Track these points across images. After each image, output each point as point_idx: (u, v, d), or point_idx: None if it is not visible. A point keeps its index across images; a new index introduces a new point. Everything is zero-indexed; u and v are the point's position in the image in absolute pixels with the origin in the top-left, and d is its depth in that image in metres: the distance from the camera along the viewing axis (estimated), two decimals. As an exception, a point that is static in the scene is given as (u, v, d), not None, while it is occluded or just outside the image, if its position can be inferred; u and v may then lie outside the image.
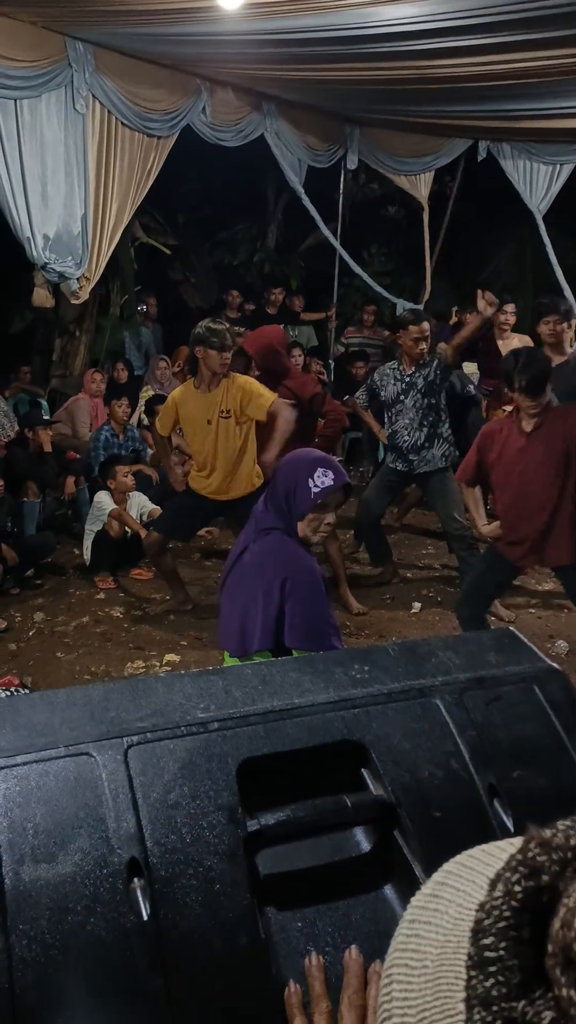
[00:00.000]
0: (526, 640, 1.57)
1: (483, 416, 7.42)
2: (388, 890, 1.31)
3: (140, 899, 1.13)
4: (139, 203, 7.43)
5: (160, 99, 7.19)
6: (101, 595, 6.26)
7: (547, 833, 0.59)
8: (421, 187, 9.86)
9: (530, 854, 0.58)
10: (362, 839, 1.35)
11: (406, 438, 5.93)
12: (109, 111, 6.76)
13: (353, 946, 1.10)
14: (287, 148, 8.56)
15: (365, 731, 1.35)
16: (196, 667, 4.92)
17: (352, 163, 9.47)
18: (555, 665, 1.49)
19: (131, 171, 7.09)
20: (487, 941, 0.57)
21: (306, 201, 9.04)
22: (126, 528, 6.42)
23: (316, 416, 6.01)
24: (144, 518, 6.57)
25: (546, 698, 1.44)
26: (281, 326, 7.71)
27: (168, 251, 10.71)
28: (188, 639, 5.54)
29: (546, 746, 1.38)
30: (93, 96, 6.61)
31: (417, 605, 6.11)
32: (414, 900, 0.67)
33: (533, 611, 6.05)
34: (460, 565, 6.11)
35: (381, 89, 7.61)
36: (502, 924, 0.57)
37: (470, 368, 8.02)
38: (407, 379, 5.91)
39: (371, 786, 1.32)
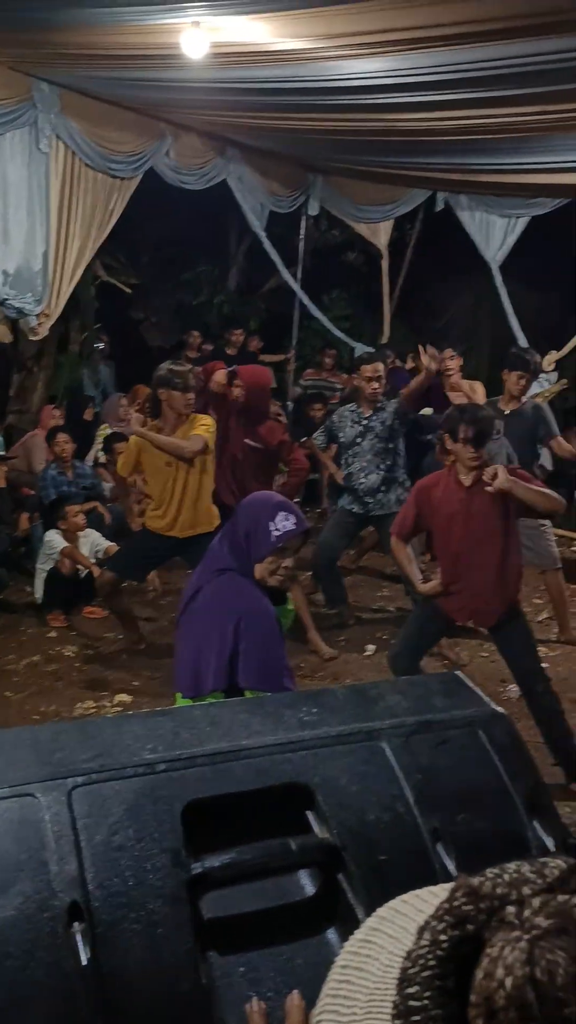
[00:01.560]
0: (472, 684, 1.59)
1: (437, 460, 7.51)
2: (331, 934, 1.31)
3: (80, 944, 1.12)
4: (101, 242, 7.47)
5: (124, 141, 7.27)
6: (53, 633, 6.19)
7: (475, 881, 0.59)
8: (381, 235, 10.06)
9: (456, 903, 0.59)
10: (306, 882, 1.35)
11: (362, 480, 5.97)
12: (73, 151, 6.82)
13: (295, 991, 1.09)
14: (250, 193, 8.68)
15: (312, 773, 1.36)
16: (148, 707, 4.88)
17: (314, 209, 9.62)
18: (500, 709, 1.51)
19: (93, 211, 7.15)
20: (412, 990, 0.58)
21: (267, 245, 9.17)
22: (79, 566, 6.37)
23: (278, 463, 6.02)
24: (99, 555, 6.52)
25: (491, 742, 1.45)
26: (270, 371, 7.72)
27: (129, 290, 10.76)
28: (141, 679, 5.49)
29: (490, 790, 1.39)
30: (57, 136, 6.66)
31: (371, 648, 6.12)
32: (347, 945, 0.67)
33: (486, 655, 6.08)
34: (414, 608, 6.13)
35: (343, 139, 7.76)
36: (427, 974, 0.57)
37: (427, 412, 8.12)
38: (364, 422, 5.96)
39: (316, 829, 1.33)
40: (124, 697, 5.20)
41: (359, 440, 5.96)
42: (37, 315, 6.86)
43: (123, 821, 1.23)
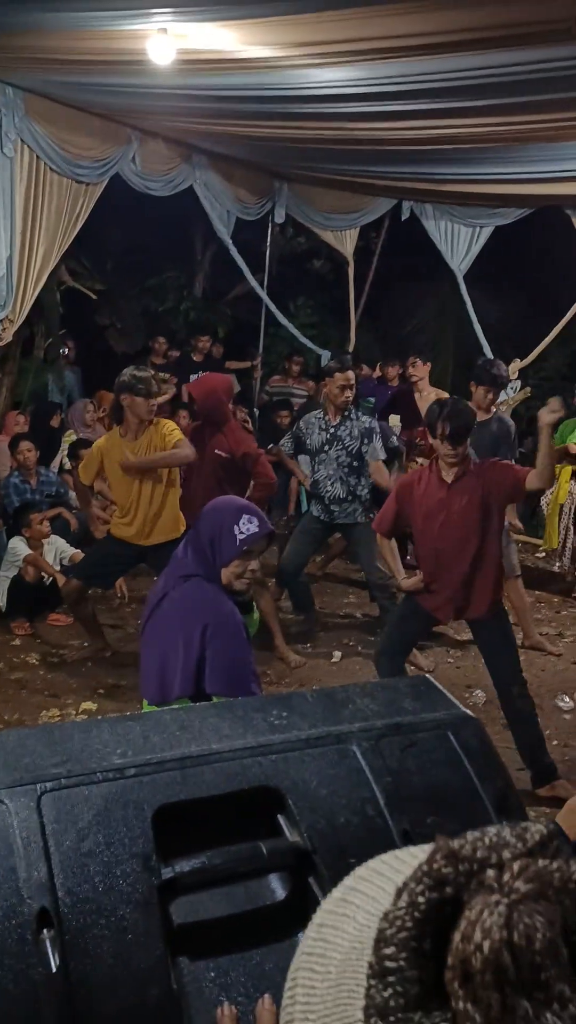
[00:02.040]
0: (441, 687, 1.59)
1: (403, 468, 7.55)
2: (302, 938, 1.30)
3: (49, 950, 1.11)
4: (67, 247, 7.43)
5: (90, 146, 7.24)
6: (17, 641, 6.13)
7: (455, 844, 0.59)
8: (347, 243, 10.11)
9: (436, 865, 0.59)
10: (277, 886, 1.34)
11: (328, 488, 5.96)
12: (38, 156, 6.78)
13: (266, 995, 1.09)
14: (216, 200, 8.69)
15: (282, 777, 1.36)
16: (113, 715, 4.84)
17: (280, 217, 9.65)
18: (469, 712, 1.52)
19: (59, 216, 7.11)
20: (388, 951, 0.57)
21: (234, 252, 9.18)
22: (43, 573, 6.32)
23: (247, 474, 5.97)
24: (64, 562, 6.47)
25: (460, 744, 1.46)
26: (231, 376, 7.73)
27: (95, 296, 10.72)
28: (106, 687, 5.45)
29: (459, 792, 1.40)
30: (22, 140, 6.62)
31: (337, 654, 6.13)
32: (324, 904, 0.66)
33: (452, 661, 6.12)
34: (381, 615, 6.15)
35: (308, 147, 7.80)
36: (403, 935, 0.57)
37: (393, 420, 8.16)
38: (332, 430, 5.95)
39: (287, 832, 1.32)
40: (89, 705, 5.16)
41: (326, 448, 5.96)
42: (1, 320, 6.80)
43: (92, 826, 1.22)
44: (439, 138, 6.82)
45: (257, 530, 2.83)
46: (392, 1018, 0.56)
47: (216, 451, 5.83)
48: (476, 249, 9.74)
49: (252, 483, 6.00)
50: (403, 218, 9.81)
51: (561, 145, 6.82)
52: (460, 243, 9.70)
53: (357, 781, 1.38)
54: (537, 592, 7.41)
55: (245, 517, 2.85)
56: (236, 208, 9.00)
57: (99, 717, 1.37)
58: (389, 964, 0.57)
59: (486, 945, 0.54)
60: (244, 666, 2.89)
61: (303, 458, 6.46)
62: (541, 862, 0.58)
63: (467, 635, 6.29)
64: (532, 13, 4.33)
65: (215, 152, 8.37)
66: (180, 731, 1.41)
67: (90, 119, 7.17)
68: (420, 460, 7.15)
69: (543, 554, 8.09)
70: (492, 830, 0.61)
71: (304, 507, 7.95)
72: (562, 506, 7.30)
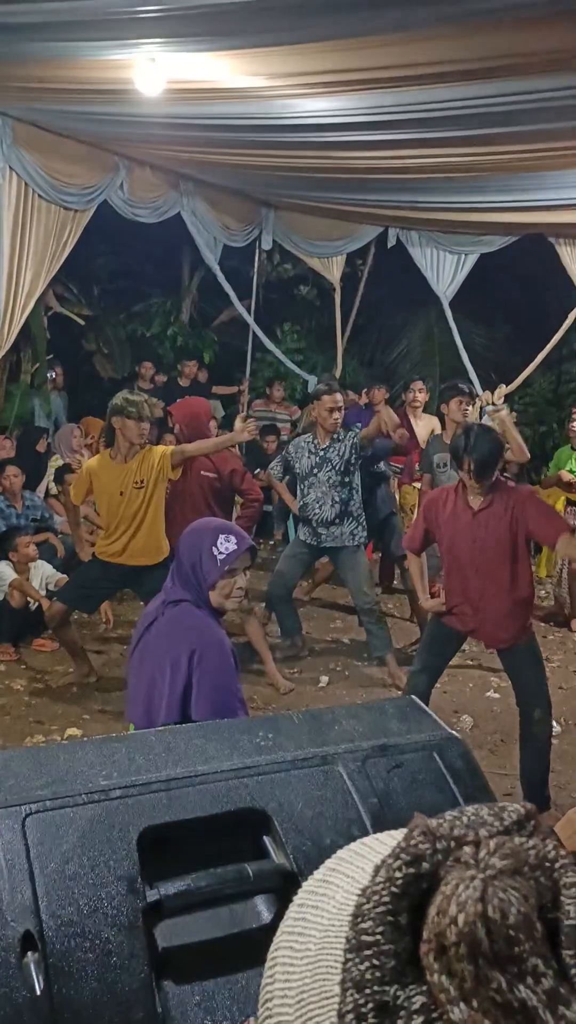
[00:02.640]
0: (427, 709, 1.60)
1: (391, 493, 7.58)
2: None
3: (34, 973, 1.10)
4: (54, 273, 7.46)
5: (78, 174, 7.29)
6: (1, 667, 6.09)
7: (432, 822, 0.61)
8: (333, 269, 10.19)
9: (413, 841, 0.60)
10: (263, 908, 1.34)
11: (317, 511, 5.97)
12: (26, 183, 6.82)
13: (251, 1018, 1.08)
14: (203, 227, 8.75)
15: (268, 799, 1.35)
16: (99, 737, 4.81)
17: (267, 244, 9.73)
18: (455, 732, 1.52)
19: (46, 242, 7.14)
20: (365, 925, 0.58)
21: (221, 278, 9.24)
22: (29, 598, 6.29)
23: (234, 492, 6.01)
24: (51, 587, 6.44)
25: (445, 765, 1.46)
26: (207, 400, 7.75)
27: (82, 321, 10.75)
28: (91, 712, 5.41)
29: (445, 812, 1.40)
30: (10, 168, 6.66)
31: (324, 679, 6.11)
32: (305, 885, 0.67)
33: (439, 686, 6.09)
34: (368, 639, 6.15)
35: (295, 176, 7.87)
36: (380, 909, 0.58)
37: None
38: (321, 453, 5.97)
39: (273, 854, 1.32)
40: (74, 731, 5.12)
41: (315, 471, 5.97)
42: (-12, 345, 6.82)
43: (77, 849, 1.21)
44: (425, 167, 6.90)
45: (236, 547, 2.83)
46: (368, 991, 0.57)
47: (202, 472, 5.84)
48: (461, 276, 9.82)
49: (242, 502, 6.04)
50: (389, 245, 9.89)
51: (545, 174, 6.92)
52: (446, 270, 9.79)
53: (343, 802, 1.38)
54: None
55: (222, 537, 2.84)
56: (223, 235, 9.07)
57: (84, 739, 1.36)
58: (366, 938, 0.58)
59: (461, 918, 0.55)
60: (230, 693, 2.88)
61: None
62: (517, 840, 0.60)
63: (455, 660, 6.28)
64: (517, 45, 4.40)
65: (202, 180, 8.44)
66: (165, 753, 1.40)
67: (78, 147, 7.22)
68: (416, 485, 7.21)
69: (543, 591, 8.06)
70: (470, 809, 0.62)
71: (291, 533, 7.95)
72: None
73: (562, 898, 0.58)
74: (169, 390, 10.05)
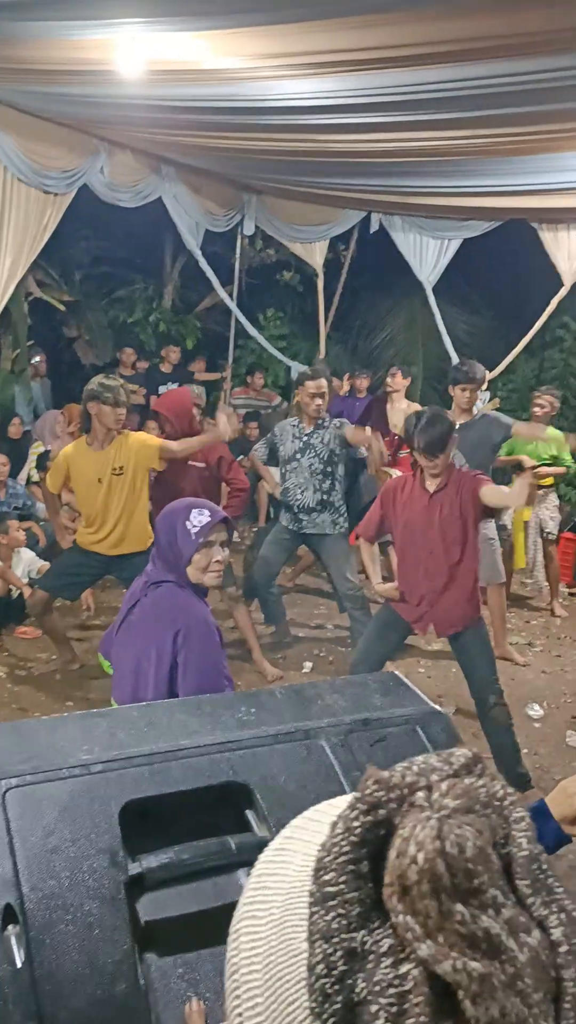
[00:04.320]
0: (410, 683, 1.59)
1: (373, 478, 7.57)
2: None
3: (14, 946, 1.09)
4: (34, 258, 7.40)
5: (58, 157, 7.22)
6: (-16, 653, 6.07)
7: (385, 773, 0.63)
8: (316, 254, 10.15)
9: (368, 791, 0.62)
10: (246, 882, 1.33)
11: (298, 497, 5.95)
12: (5, 166, 6.76)
13: (193, 998, 1.08)
14: (185, 211, 8.70)
15: (251, 773, 1.35)
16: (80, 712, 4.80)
17: (249, 229, 9.69)
18: (438, 707, 1.52)
19: (26, 226, 7.08)
20: (327, 877, 0.60)
21: (203, 263, 9.19)
22: (11, 586, 6.26)
23: (220, 480, 5.96)
24: (33, 575, 6.42)
25: (428, 739, 1.46)
26: (191, 390, 7.71)
27: (63, 307, 10.68)
28: (75, 700, 5.40)
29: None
30: (-10, 150, 6.61)
31: (308, 665, 6.12)
32: (262, 856, 0.69)
33: (422, 671, 6.13)
34: (351, 625, 6.14)
35: (277, 159, 7.83)
36: (341, 859, 0.60)
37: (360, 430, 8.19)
38: (305, 438, 5.93)
39: (256, 828, 1.31)
40: (58, 716, 5.11)
41: (298, 456, 5.95)
42: (-31, 330, 6.76)
43: (58, 822, 1.20)
44: (408, 151, 6.87)
45: (209, 519, 2.86)
46: (336, 939, 0.58)
47: (189, 461, 5.80)
48: (445, 261, 9.80)
49: (228, 490, 6.00)
50: (372, 230, 9.86)
51: (528, 158, 6.91)
52: (428, 255, 9.77)
53: (326, 776, 1.38)
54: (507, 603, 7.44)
55: (195, 511, 2.88)
56: (205, 220, 9.02)
57: (65, 714, 1.36)
58: (329, 889, 0.60)
59: (420, 857, 0.57)
60: (217, 671, 2.88)
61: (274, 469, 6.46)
62: (467, 780, 0.62)
63: (438, 645, 6.31)
64: (500, 27, 4.38)
65: (184, 164, 8.39)
66: (147, 727, 1.39)
67: (58, 129, 7.16)
68: (390, 471, 7.17)
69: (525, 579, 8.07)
70: (420, 758, 0.65)
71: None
72: (527, 523, 7.32)
73: (513, 832, 0.61)
74: (151, 377, 10.01)
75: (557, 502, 7.63)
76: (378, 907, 0.59)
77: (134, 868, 1.20)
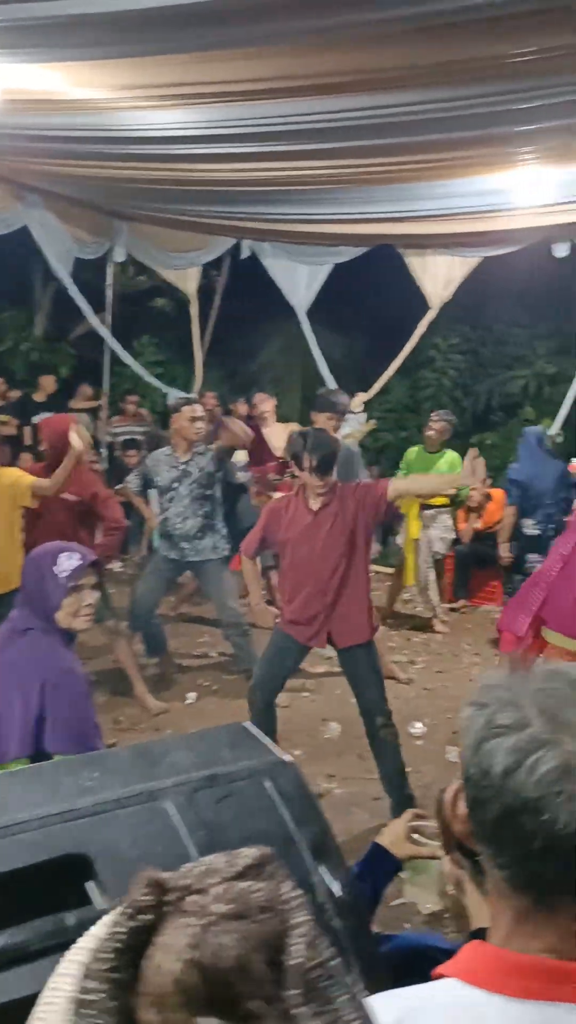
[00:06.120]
0: (258, 733, 1.58)
1: (252, 503, 7.58)
2: None
3: None
4: None
5: None
6: None
7: (163, 875, 0.61)
8: (189, 281, 10.17)
9: (136, 895, 0.60)
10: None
11: (179, 526, 5.90)
12: None
13: None
14: (53, 239, 8.58)
15: (91, 842, 1.31)
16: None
17: (120, 256, 9.63)
18: (286, 757, 1.51)
19: None
20: (89, 984, 0.58)
21: (73, 291, 9.07)
22: None
23: (96, 517, 5.81)
24: None
25: (277, 791, 1.45)
26: (76, 417, 7.52)
27: None
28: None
29: (275, 839, 1.38)
30: None
31: (192, 695, 6.05)
32: (65, 955, 0.66)
33: (307, 695, 6.14)
34: (235, 652, 6.12)
35: (143, 188, 7.81)
36: (103, 967, 0.58)
37: (240, 456, 8.21)
38: (181, 466, 5.90)
39: (98, 900, 1.27)
40: None
41: (175, 485, 5.90)
42: None
43: None
44: (275, 180, 6.95)
45: (78, 563, 2.81)
46: None
47: (62, 496, 5.66)
48: (316, 287, 9.93)
49: (103, 528, 5.86)
50: (242, 257, 9.93)
51: (391, 187, 7.09)
52: (300, 281, 9.88)
53: (170, 838, 1.35)
54: (390, 621, 7.55)
55: (63, 555, 2.82)
56: (75, 247, 8.92)
57: None
58: (88, 997, 0.58)
59: (174, 967, 0.55)
60: (86, 722, 2.83)
61: (152, 494, 6.39)
62: (243, 884, 0.60)
63: (322, 668, 6.34)
64: (366, 61, 4.47)
65: (51, 191, 8.28)
66: (-19, 802, 1.34)
67: None
68: (273, 495, 7.19)
69: (408, 595, 8.20)
70: (208, 859, 0.63)
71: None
72: (416, 541, 7.46)
73: (286, 940, 0.59)
74: (24, 406, 9.80)
75: (449, 523, 7.83)
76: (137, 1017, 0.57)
77: (-38, 957, 1.15)
